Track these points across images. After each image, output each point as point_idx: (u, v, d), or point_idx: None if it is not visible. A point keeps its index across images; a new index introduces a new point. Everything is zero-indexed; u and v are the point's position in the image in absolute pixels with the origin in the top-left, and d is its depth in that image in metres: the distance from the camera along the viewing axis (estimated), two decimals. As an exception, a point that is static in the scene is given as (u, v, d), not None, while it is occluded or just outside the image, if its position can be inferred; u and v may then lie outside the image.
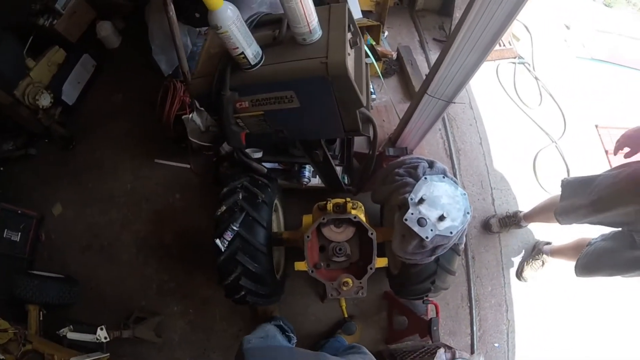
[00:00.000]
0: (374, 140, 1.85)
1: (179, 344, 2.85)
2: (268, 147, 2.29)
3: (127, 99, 3.59)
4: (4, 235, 2.94)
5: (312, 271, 1.84)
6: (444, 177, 1.97)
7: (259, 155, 2.17)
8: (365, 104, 1.60)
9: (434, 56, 3.57)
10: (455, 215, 1.89)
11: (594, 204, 2.08)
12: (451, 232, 1.85)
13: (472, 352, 2.83)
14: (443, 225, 1.87)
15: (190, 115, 2.64)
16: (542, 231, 3.07)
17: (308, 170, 2.58)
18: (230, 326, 2.84)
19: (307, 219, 2.17)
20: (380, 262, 1.92)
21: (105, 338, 2.59)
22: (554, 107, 3.58)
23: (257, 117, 1.71)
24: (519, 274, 3.03)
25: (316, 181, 2.64)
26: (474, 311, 2.91)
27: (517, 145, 3.36)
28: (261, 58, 1.54)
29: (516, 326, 2.93)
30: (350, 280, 1.81)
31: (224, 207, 2.06)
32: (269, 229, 2.10)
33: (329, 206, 1.92)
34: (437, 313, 2.54)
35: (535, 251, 3.00)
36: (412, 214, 1.86)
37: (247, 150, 2.17)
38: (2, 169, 3.44)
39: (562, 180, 2.38)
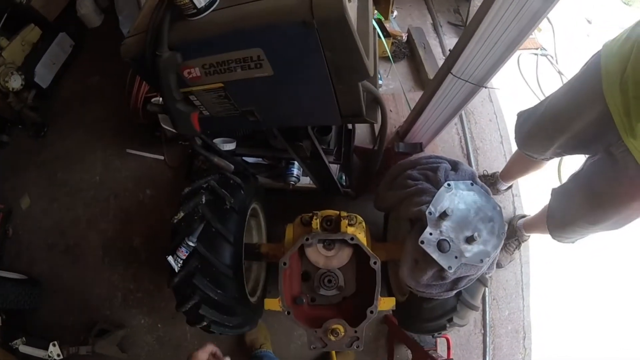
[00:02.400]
0: (383, 129, 1.23)
1: (146, 361, 2.29)
2: (243, 136, 1.66)
3: (104, 82, 3.00)
4: (-34, 231, 2.49)
5: (288, 312, 1.21)
6: (472, 185, 1.38)
7: (231, 147, 1.54)
8: (372, 75, 0.96)
9: (448, 41, 2.93)
10: (487, 237, 1.30)
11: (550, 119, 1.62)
12: (481, 260, 1.27)
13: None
14: (471, 250, 1.28)
15: (160, 98, 2.04)
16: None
17: (297, 168, 1.94)
18: (202, 345, 2.23)
19: (291, 229, 1.53)
20: (386, 303, 1.30)
21: (59, 355, 2.16)
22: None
23: (216, 91, 1.09)
24: None
25: (307, 181, 2.01)
26: (487, 339, 2.32)
27: None
28: None
29: (533, 356, 2.35)
30: (341, 328, 1.19)
31: (181, 214, 1.46)
32: (239, 243, 1.50)
33: (316, 222, 1.29)
34: (448, 349, 1.92)
35: (509, 229, 2.39)
36: (430, 234, 1.28)
37: (216, 141, 1.55)
38: (-25, 156, 2.96)
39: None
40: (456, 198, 1.33)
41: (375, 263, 1.20)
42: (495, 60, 1.40)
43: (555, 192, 1.80)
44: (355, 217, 1.34)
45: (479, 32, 1.29)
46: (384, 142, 1.37)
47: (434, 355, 1.88)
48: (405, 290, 1.64)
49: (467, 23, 2.87)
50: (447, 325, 1.62)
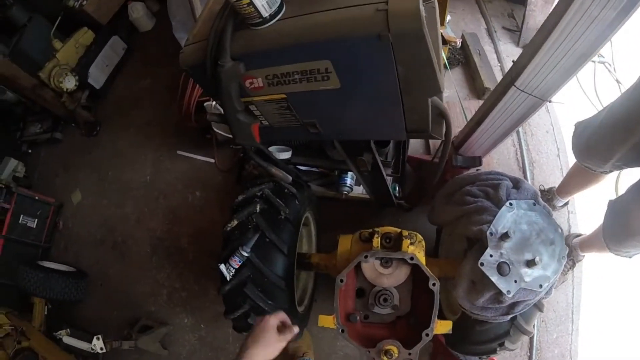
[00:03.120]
0: (446, 144, 1.17)
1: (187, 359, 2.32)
2: (298, 145, 1.63)
3: (155, 85, 3.06)
4: (20, 221, 2.62)
5: (342, 330, 1.17)
6: (534, 204, 1.31)
7: (286, 155, 1.52)
8: (443, 90, 0.91)
9: (503, 47, 2.78)
10: (548, 261, 1.23)
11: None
12: (541, 286, 1.21)
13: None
14: (531, 274, 1.22)
15: (213, 102, 2.06)
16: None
17: (351, 177, 1.90)
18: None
19: (344, 241, 1.49)
20: (443, 326, 1.24)
21: (102, 349, 2.19)
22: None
23: (277, 102, 1.07)
24: None
25: (360, 190, 1.97)
26: (533, 362, 2.17)
27: None
28: (279, 7, 0.92)
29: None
30: (395, 349, 1.14)
31: (235, 222, 1.45)
32: (292, 254, 1.48)
33: (377, 240, 1.24)
34: (493, 374, 1.81)
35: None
36: (490, 255, 1.21)
37: (272, 149, 1.53)
38: (30, 151, 3.14)
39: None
40: (518, 218, 1.26)
41: (434, 284, 1.14)
42: (563, 73, 1.31)
43: (612, 203, 1.67)
44: (416, 235, 1.28)
45: (546, 45, 1.20)
46: (445, 157, 1.30)
47: (479, 376, 1.78)
48: (457, 309, 1.57)
49: (522, 28, 2.76)
50: (498, 349, 1.54)
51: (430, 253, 2.14)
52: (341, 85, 0.94)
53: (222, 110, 1.12)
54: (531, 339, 2.20)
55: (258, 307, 1.40)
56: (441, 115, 1.09)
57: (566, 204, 2.29)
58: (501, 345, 1.50)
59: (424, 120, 1.00)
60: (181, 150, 2.69)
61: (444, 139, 1.12)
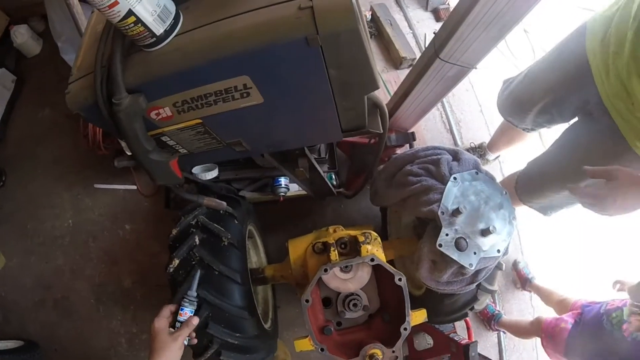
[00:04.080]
0: (383, 134, 1.10)
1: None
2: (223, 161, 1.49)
3: (56, 114, 2.69)
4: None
5: (322, 349, 1.09)
6: (477, 173, 1.28)
7: (213, 175, 1.36)
8: (380, 86, 0.82)
9: (412, 13, 2.76)
10: (500, 226, 1.22)
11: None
12: (498, 250, 1.21)
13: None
14: (488, 242, 1.20)
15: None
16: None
17: (284, 177, 1.78)
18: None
19: (295, 244, 1.39)
20: (418, 317, 1.20)
21: None
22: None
23: (193, 128, 0.92)
24: None
25: (297, 187, 1.85)
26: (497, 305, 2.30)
27: None
28: (175, 19, 0.76)
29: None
30: (379, 352, 1.09)
31: (176, 261, 1.29)
32: (246, 279, 1.35)
33: (334, 254, 1.15)
34: (468, 330, 1.86)
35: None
36: (446, 234, 1.18)
37: (195, 171, 1.37)
38: None
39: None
40: (464, 191, 1.24)
41: (400, 280, 1.09)
42: (488, 42, 1.27)
43: (531, 160, 1.75)
44: (370, 233, 1.22)
45: (470, 17, 1.15)
46: (382, 146, 1.24)
47: (455, 338, 1.82)
48: (421, 284, 1.55)
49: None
50: (469, 313, 1.57)
51: (379, 231, 2.14)
52: (265, 100, 0.82)
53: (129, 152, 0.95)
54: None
55: (227, 343, 1.27)
56: (375, 106, 1.01)
57: (497, 157, 2.38)
58: (471, 309, 1.53)
59: (361, 118, 0.92)
60: (98, 182, 2.42)
61: (381, 131, 1.05)
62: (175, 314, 1.15)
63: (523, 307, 2.33)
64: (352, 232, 1.22)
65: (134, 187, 2.36)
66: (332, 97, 0.82)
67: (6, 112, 2.68)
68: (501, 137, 2.13)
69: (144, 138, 0.86)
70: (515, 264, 2.32)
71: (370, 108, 0.99)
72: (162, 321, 1.10)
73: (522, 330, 2.05)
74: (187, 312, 1.15)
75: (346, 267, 1.13)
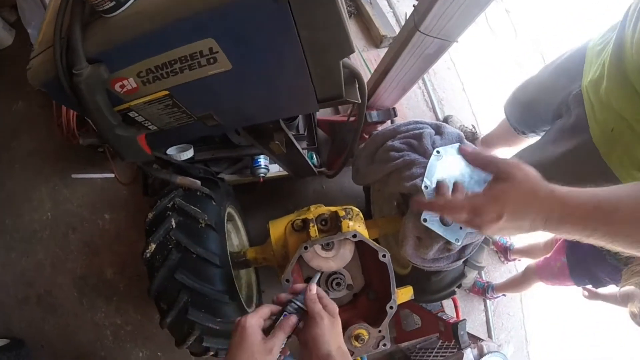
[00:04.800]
0: (362, 106, 1.05)
1: (157, 394, 2.11)
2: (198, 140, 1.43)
3: (29, 107, 2.56)
4: None
5: (302, 332, 1.05)
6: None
7: (189, 155, 1.30)
8: (355, 50, 0.77)
9: (392, -12, 2.69)
10: None
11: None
12: None
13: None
14: None
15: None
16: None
17: (264, 158, 1.73)
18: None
19: (275, 226, 1.33)
20: (404, 294, 1.17)
21: None
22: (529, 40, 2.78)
23: (160, 101, 0.87)
24: None
25: (277, 168, 1.81)
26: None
27: (502, 85, 2.57)
28: None
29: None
30: (364, 332, 1.04)
31: (152, 245, 1.23)
32: (225, 261, 1.31)
33: (314, 230, 1.11)
34: (456, 309, 1.85)
35: None
36: None
37: (170, 152, 1.31)
38: None
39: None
40: (448, 165, 1.19)
41: (384, 256, 1.05)
42: (468, 14, 1.23)
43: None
44: (351, 209, 1.17)
45: None
46: (362, 119, 1.19)
47: (443, 317, 1.81)
48: (407, 263, 1.52)
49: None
50: (456, 291, 1.55)
51: (363, 211, 2.11)
52: (233, 66, 0.77)
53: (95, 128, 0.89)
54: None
55: (208, 328, 1.23)
56: (353, 76, 0.96)
57: None
58: (458, 286, 1.51)
59: (337, 86, 0.87)
60: (75, 173, 2.32)
61: (359, 101, 1.00)
62: (276, 318, 0.84)
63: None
64: (333, 209, 1.17)
65: (112, 175, 2.28)
66: (304, 62, 0.77)
67: (-19, 109, 2.56)
68: (499, 135, 2.07)
69: (108, 111, 0.81)
70: (490, 238, 2.30)
71: (347, 77, 0.94)
72: (256, 319, 0.80)
73: (517, 283, 2.04)
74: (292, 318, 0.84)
75: (327, 244, 1.08)
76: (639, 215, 0.59)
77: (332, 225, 1.14)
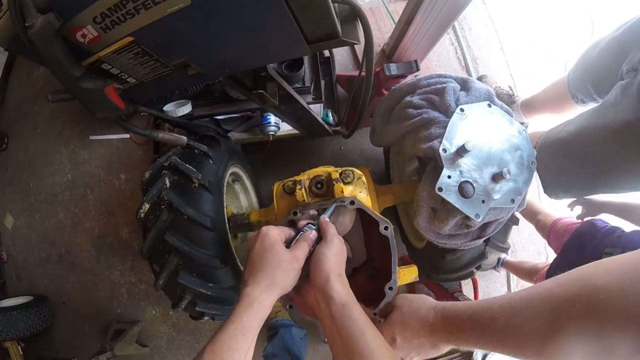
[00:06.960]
0: (368, 48, 0.88)
1: (169, 350, 2.16)
2: (196, 94, 1.31)
3: (48, 72, 2.50)
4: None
5: (290, 306, 0.93)
6: (490, 106, 1.03)
7: (186, 110, 1.19)
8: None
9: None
10: (517, 171, 0.99)
11: None
12: (513, 201, 0.99)
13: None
14: (500, 190, 0.97)
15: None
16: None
17: (273, 115, 1.59)
18: (218, 323, 2.07)
19: (278, 190, 1.20)
20: (407, 275, 1.03)
21: None
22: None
23: (128, 49, 0.75)
24: None
25: (288, 127, 1.67)
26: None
27: (546, 47, 2.25)
28: None
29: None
30: (358, 313, 0.92)
31: (146, 205, 1.16)
32: (220, 224, 1.21)
33: (300, 194, 0.95)
34: (475, 290, 1.68)
35: None
36: (449, 177, 0.95)
37: (168, 108, 1.20)
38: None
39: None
40: (473, 126, 1.00)
41: (386, 228, 0.90)
42: None
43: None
44: (352, 171, 1.00)
45: None
46: (371, 63, 1.01)
47: (460, 298, 1.66)
48: (423, 235, 1.37)
49: None
50: (474, 272, 1.38)
51: (383, 179, 1.96)
52: (192, 1, 0.63)
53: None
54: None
55: (200, 293, 1.16)
56: (353, 14, 0.79)
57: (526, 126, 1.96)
58: (478, 268, 1.34)
59: (328, 22, 0.70)
60: (93, 134, 2.30)
61: (363, 42, 0.83)
62: (294, 236, 0.81)
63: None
64: (330, 169, 1.02)
65: (127, 135, 2.25)
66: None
67: (4, 76, 2.61)
68: (549, 99, 1.76)
69: (67, 63, 0.71)
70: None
71: (345, 17, 0.77)
72: (277, 231, 0.78)
73: (523, 276, 1.83)
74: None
75: (323, 210, 0.94)
76: (512, 324, 0.58)
77: (328, 189, 0.99)
